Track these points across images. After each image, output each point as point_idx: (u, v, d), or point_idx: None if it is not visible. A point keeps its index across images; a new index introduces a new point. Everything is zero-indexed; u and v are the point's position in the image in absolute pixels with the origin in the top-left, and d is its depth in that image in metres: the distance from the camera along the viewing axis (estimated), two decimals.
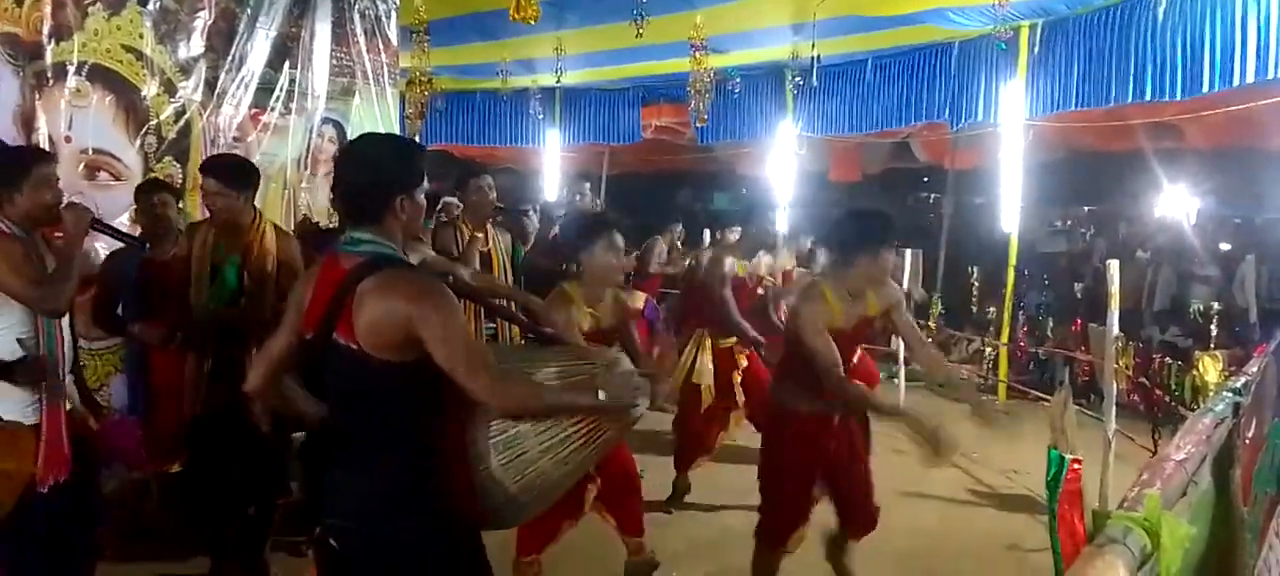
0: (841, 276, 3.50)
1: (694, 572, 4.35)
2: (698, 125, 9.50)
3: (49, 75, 4.32)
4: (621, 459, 3.62)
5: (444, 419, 2.16)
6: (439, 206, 5.47)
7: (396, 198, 2.12)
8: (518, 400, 2.17)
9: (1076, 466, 1.22)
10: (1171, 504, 1.08)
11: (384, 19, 6.09)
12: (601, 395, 2.31)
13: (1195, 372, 3.40)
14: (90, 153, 4.52)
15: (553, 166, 11.44)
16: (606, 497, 3.59)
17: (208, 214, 3.88)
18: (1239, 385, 1.68)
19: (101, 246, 4.18)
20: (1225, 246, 11.75)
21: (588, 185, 5.86)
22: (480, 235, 4.76)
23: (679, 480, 5.35)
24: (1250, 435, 1.68)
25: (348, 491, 2.17)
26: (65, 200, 3.29)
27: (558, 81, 9.69)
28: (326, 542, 2.20)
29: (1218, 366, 3.15)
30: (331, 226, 4.78)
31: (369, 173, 2.16)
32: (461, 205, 4.98)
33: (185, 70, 4.92)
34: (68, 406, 3.17)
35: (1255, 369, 1.83)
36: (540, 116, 10.86)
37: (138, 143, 4.71)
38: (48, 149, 4.26)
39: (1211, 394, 2.88)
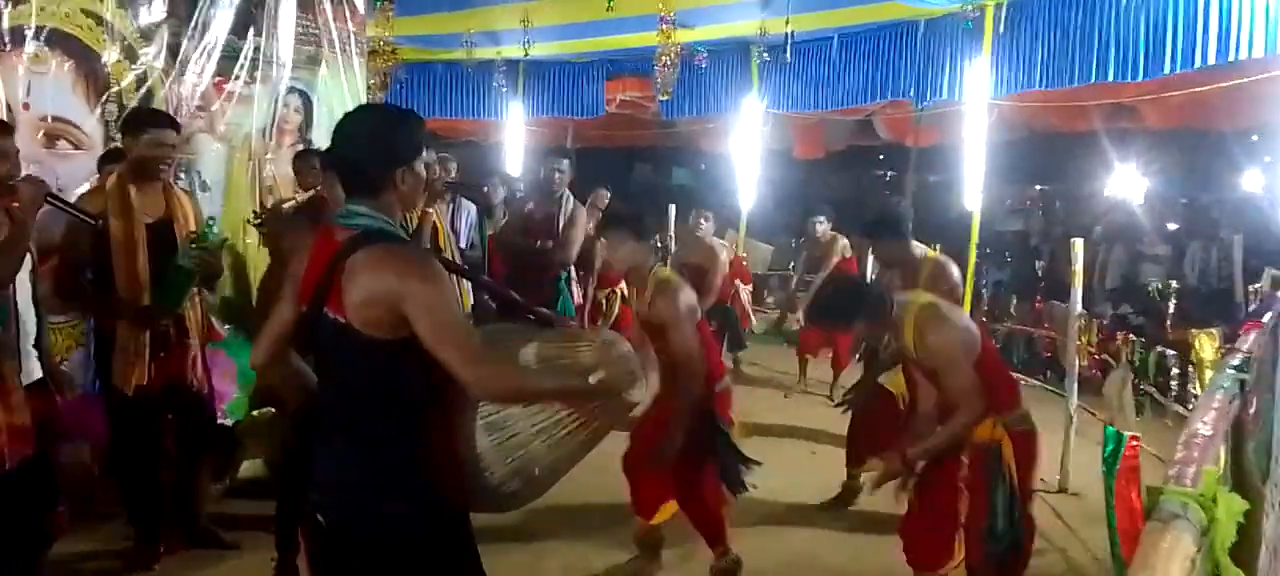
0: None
1: None
2: (662, 99, 9.47)
3: (6, 40, 4.17)
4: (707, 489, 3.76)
5: (434, 398, 2.13)
6: None
7: (398, 170, 2.08)
8: (502, 387, 2.08)
9: (1134, 443, 1.23)
10: None
11: None
12: (593, 380, 2.26)
13: (1193, 349, 3.47)
14: (49, 120, 4.38)
15: (516, 140, 11.34)
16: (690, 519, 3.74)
17: (144, 170, 3.73)
18: (1238, 363, 1.72)
19: None
20: (1173, 226, 12.06)
21: (566, 161, 5.76)
22: (431, 210, 4.73)
23: (850, 481, 4.95)
24: (1252, 411, 1.72)
25: (334, 468, 2.15)
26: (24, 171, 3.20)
27: (525, 54, 9.59)
28: (314, 518, 2.17)
29: (1213, 344, 3.21)
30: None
31: (370, 146, 2.11)
32: None
33: (147, 36, 4.77)
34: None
35: (1249, 346, 1.87)
36: (504, 89, 10.74)
37: (98, 110, 4.57)
38: (5, 117, 4.12)
39: (1206, 371, 2.96)
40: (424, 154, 2.18)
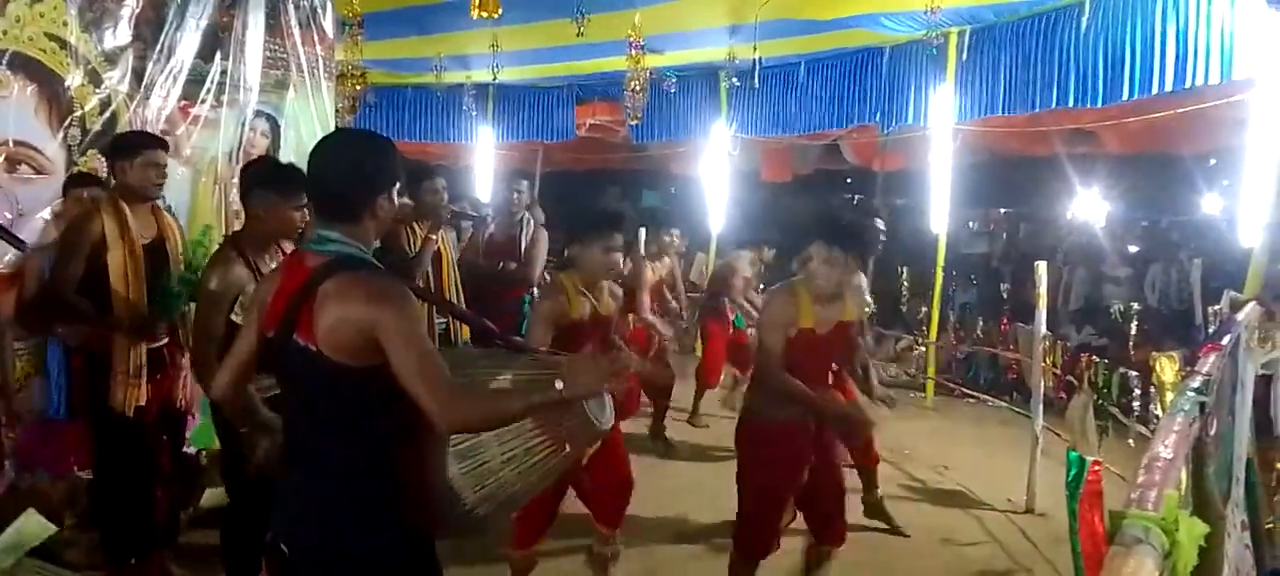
0: (811, 277, 3.42)
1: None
2: (632, 124, 9.51)
3: None
4: (619, 465, 3.71)
5: (404, 426, 2.12)
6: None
7: (378, 198, 2.09)
8: (469, 418, 2.04)
9: (1097, 468, 1.25)
10: None
11: (320, 10, 5.92)
12: (559, 386, 2.25)
13: (1155, 371, 3.53)
14: (10, 145, 4.30)
15: (485, 164, 11.33)
16: (593, 493, 3.65)
17: (138, 193, 3.72)
18: (1198, 385, 1.75)
19: None
20: (1133, 248, 12.29)
21: (526, 183, 5.80)
22: (433, 237, 4.72)
23: None
24: (1212, 433, 1.75)
25: (301, 498, 2.12)
26: None
27: (494, 78, 9.60)
28: (278, 549, 2.14)
29: (1174, 367, 3.26)
30: None
31: (350, 173, 2.10)
32: (412, 205, 4.91)
33: (111, 60, 4.71)
34: None
35: (1208, 368, 1.90)
36: (473, 113, 10.73)
37: (61, 135, 4.49)
38: None
39: (1167, 394, 3.01)
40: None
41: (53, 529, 1.65)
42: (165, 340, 3.83)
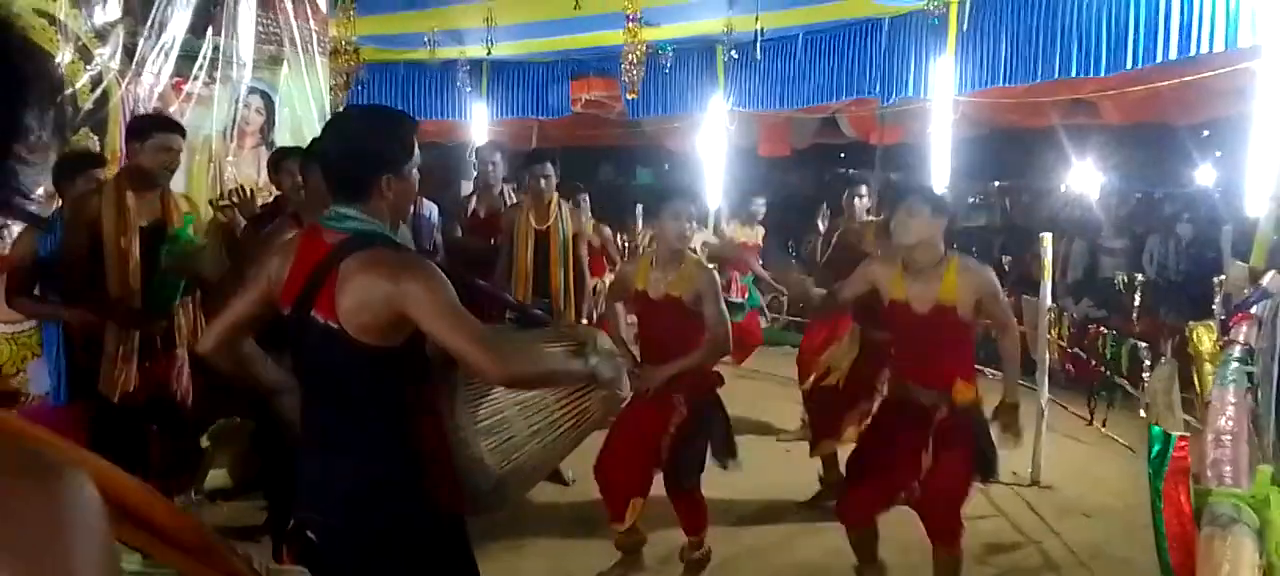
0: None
1: None
2: (629, 98, 9.41)
3: None
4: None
5: (425, 404, 2.09)
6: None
7: (382, 176, 2.03)
8: (525, 371, 2.07)
9: (1184, 443, 1.20)
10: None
11: None
12: (592, 362, 2.28)
13: (1191, 341, 3.46)
14: None
15: (480, 141, 11.20)
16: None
17: (142, 176, 3.64)
18: (1240, 354, 1.71)
19: None
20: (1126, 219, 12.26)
21: (500, 154, 5.67)
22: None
23: (826, 475, 4.95)
24: (1259, 404, 1.71)
25: (324, 480, 2.08)
26: None
27: (488, 53, 9.47)
28: (302, 534, 2.10)
29: (1211, 337, 3.20)
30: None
31: (353, 150, 2.06)
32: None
33: (102, 36, 4.63)
34: None
35: (1246, 336, 1.86)
36: (467, 89, 10.60)
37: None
38: None
39: (1206, 364, 2.98)
40: (415, 159, 2.11)
41: None
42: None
